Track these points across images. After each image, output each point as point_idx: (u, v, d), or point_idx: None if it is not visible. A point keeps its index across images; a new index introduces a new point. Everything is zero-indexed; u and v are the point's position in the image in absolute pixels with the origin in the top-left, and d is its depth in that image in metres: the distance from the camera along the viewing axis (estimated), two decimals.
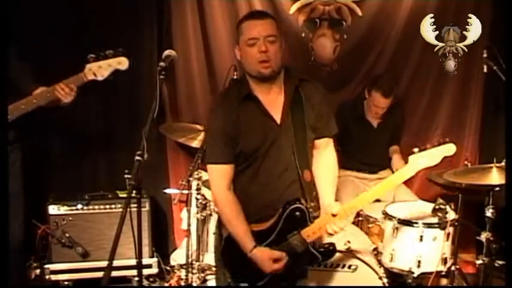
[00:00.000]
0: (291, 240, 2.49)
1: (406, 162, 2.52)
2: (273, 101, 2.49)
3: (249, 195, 2.52)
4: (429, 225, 3.31)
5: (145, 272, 3.92)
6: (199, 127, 4.04)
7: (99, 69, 3.16)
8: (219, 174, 2.50)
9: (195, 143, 3.93)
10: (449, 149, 2.51)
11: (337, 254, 3.20)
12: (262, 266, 2.46)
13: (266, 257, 2.45)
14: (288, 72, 2.53)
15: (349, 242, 3.24)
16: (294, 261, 2.49)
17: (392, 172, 4.09)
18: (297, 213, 2.49)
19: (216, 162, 2.49)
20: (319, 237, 2.54)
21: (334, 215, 2.47)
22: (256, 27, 2.39)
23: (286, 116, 2.48)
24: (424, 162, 2.48)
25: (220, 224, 2.65)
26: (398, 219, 3.37)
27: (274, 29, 2.41)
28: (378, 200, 4.00)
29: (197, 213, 3.78)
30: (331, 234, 2.51)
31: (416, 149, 2.53)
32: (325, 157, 2.64)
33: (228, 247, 2.59)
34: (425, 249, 3.32)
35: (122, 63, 3.18)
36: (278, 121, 2.48)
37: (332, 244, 2.59)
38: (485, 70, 3.63)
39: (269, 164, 2.49)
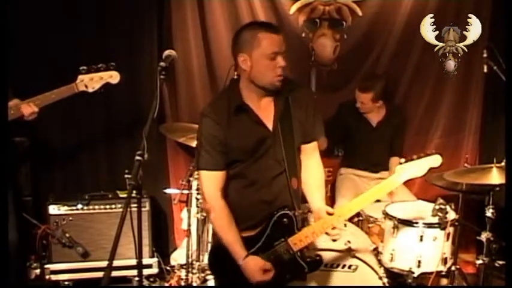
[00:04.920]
0: (277, 247, 2.49)
1: None
2: (265, 108, 2.51)
3: (242, 199, 2.52)
4: (429, 225, 3.31)
5: (146, 272, 3.92)
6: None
7: (91, 82, 3.25)
8: (210, 180, 2.49)
9: (195, 143, 3.92)
10: (435, 160, 2.58)
11: (337, 254, 3.21)
12: (251, 275, 2.44)
13: (258, 267, 2.44)
14: None
15: (349, 241, 3.24)
16: (279, 270, 2.48)
17: None
18: (285, 219, 2.50)
19: (208, 169, 2.49)
20: (306, 246, 2.55)
21: (330, 214, 2.50)
22: (278, 42, 2.41)
23: (276, 123, 2.50)
24: (410, 173, 2.57)
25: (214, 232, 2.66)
26: (399, 219, 3.37)
27: (285, 44, 2.47)
28: (377, 200, 4.02)
29: (197, 213, 3.79)
30: (333, 237, 2.53)
31: (402, 160, 2.62)
32: (313, 162, 2.67)
33: (215, 255, 2.60)
34: (426, 249, 3.32)
35: (113, 77, 3.30)
36: (270, 128, 2.50)
37: (319, 255, 2.61)
38: (485, 70, 3.62)
39: (262, 169, 2.50)
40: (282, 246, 2.49)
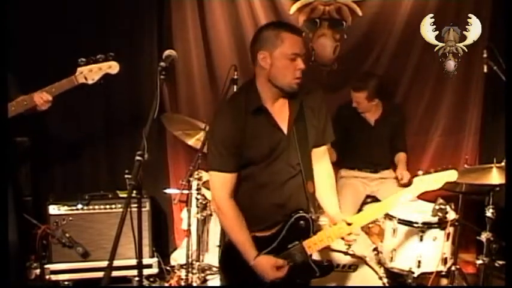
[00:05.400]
0: (291, 250, 2.48)
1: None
2: (280, 110, 2.49)
3: (255, 201, 2.50)
4: (429, 225, 3.31)
5: (146, 272, 3.93)
6: (199, 124, 3.98)
7: (90, 73, 3.24)
8: (222, 182, 2.46)
9: (191, 141, 3.91)
10: (452, 175, 2.62)
11: (338, 254, 3.21)
12: (264, 274, 2.42)
13: (270, 265, 2.42)
14: None
15: None
16: (291, 273, 2.46)
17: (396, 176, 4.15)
18: (301, 222, 2.48)
19: (220, 170, 2.45)
20: (320, 250, 2.55)
21: (349, 224, 2.50)
22: (300, 44, 2.41)
23: (291, 127, 2.49)
24: (427, 185, 2.62)
25: (223, 233, 2.63)
26: (399, 219, 3.37)
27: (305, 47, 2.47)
28: (377, 200, 4.03)
29: (197, 213, 3.78)
30: (348, 241, 2.56)
31: (420, 172, 2.65)
32: (324, 166, 2.66)
33: (227, 254, 2.57)
34: (426, 249, 3.32)
35: (113, 67, 3.27)
36: (285, 131, 2.48)
37: (329, 260, 2.62)
38: (485, 70, 3.63)
39: (274, 173, 2.48)
40: (296, 248, 2.48)
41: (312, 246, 2.49)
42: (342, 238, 2.55)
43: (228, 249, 2.53)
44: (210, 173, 2.50)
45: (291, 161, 2.48)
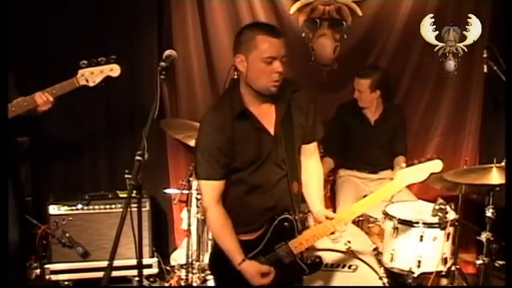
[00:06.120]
0: (278, 251, 2.49)
1: None
2: (265, 112, 2.48)
3: (244, 205, 2.50)
4: (429, 225, 3.31)
5: (146, 272, 3.92)
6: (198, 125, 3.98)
7: (91, 76, 3.22)
8: (210, 189, 2.46)
9: (193, 142, 3.91)
10: (436, 165, 2.62)
11: (337, 254, 3.21)
12: (250, 279, 2.43)
13: (254, 271, 2.42)
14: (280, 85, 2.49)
15: (349, 242, 3.24)
16: (280, 273, 2.47)
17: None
18: (286, 223, 2.49)
19: (206, 178, 2.46)
20: (307, 249, 2.55)
21: (329, 218, 2.51)
22: (277, 46, 2.35)
23: (278, 128, 2.48)
24: (411, 177, 2.60)
25: None
26: (399, 219, 3.37)
27: (286, 48, 2.40)
28: None
29: (197, 213, 3.79)
30: (333, 239, 2.54)
31: (403, 164, 2.65)
32: (312, 163, 2.66)
33: (217, 256, 2.58)
34: (426, 249, 3.32)
35: (114, 70, 3.27)
36: (272, 132, 2.47)
37: (319, 257, 2.62)
38: (485, 70, 3.63)
39: (264, 175, 2.48)
40: (282, 249, 2.49)
41: (298, 246, 2.49)
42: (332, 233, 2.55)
43: (217, 252, 2.54)
44: (199, 181, 2.51)
45: (279, 162, 2.48)
